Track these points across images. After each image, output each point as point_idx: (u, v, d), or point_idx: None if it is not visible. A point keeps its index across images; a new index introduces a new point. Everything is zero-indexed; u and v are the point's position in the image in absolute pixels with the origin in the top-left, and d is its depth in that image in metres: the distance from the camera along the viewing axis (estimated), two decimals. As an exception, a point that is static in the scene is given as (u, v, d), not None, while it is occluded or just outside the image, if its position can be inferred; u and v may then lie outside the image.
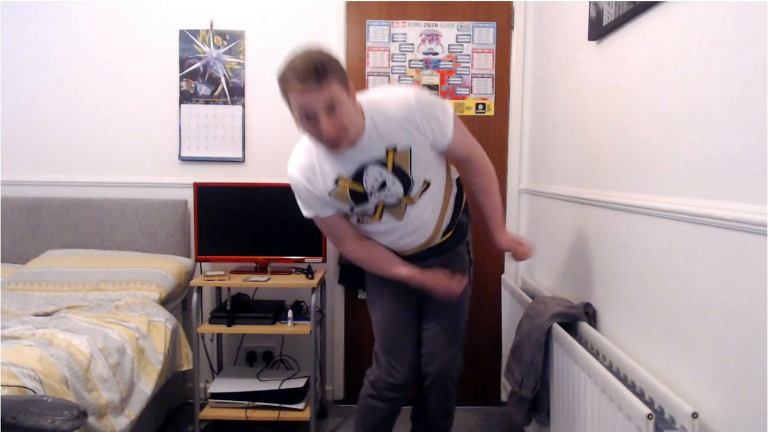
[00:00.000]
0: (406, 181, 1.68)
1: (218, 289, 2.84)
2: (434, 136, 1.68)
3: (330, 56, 1.50)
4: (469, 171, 1.86)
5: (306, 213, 1.78)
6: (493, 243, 1.89)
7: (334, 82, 1.47)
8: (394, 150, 1.64)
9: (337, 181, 1.67)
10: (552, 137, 2.43)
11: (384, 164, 1.65)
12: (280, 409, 2.49)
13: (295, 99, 1.49)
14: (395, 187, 1.69)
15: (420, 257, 1.88)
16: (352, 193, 1.69)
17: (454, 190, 1.89)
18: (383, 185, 1.68)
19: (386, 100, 1.64)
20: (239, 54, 2.87)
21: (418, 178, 1.70)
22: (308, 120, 1.50)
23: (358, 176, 1.66)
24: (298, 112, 1.51)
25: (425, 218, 1.79)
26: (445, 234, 1.88)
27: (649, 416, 1.18)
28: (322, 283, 2.77)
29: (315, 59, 1.46)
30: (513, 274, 2.91)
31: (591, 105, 1.93)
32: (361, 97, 1.64)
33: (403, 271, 1.82)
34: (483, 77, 2.88)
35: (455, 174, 1.92)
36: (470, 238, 2.04)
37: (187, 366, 2.49)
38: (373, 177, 1.67)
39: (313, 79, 1.44)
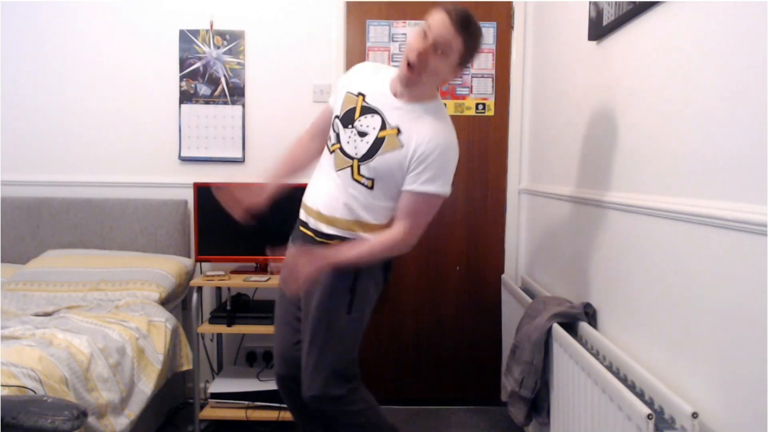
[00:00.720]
0: (371, 154, 1.71)
1: (218, 289, 2.84)
2: (411, 170, 1.67)
3: (480, 35, 1.68)
4: (383, 232, 1.74)
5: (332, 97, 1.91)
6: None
7: (462, 45, 1.61)
8: (398, 132, 1.70)
9: (359, 94, 1.77)
10: (552, 137, 2.43)
11: (383, 127, 1.71)
12: (280, 409, 2.49)
13: (437, 17, 1.60)
14: (362, 145, 1.73)
15: (308, 243, 1.79)
16: (351, 111, 1.77)
17: (378, 242, 1.74)
18: (363, 135, 1.73)
19: (445, 124, 1.72)
20: (239, 54, 2.87)
21: (375, 166, 1.70)
22: (420, 38, 1.61)
23: (366, 111, 1.74)
24: (425, 24, 1.61)
25: (348, 192, 1.73)
26: (341, 239, 1.76)
27: (649, 416, 1.18)
28: (322, 283, 2.77)
29: (473, 20, 1.64)
30: (513, 274, 2.91)
31: (591, 105, 1.93)
32: (443, 105, 1.79)
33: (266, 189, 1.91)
34: (483, 77, 2.88)
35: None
36: (363, 280, 1.80)
37: (187, 366, 2.49)
38: (368, 122, 1.73)
39: (458, 24, 1.59)
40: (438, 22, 1.59)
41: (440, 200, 1.70)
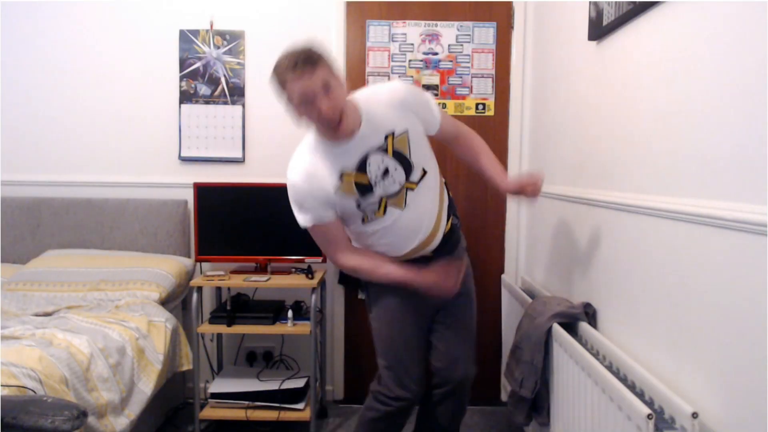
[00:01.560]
0: (407, 165, 1.75)
1: (218, 289, 2.84)
2: (426, 119, 1.80)
3: (317, 46, 1.61)
4: (461, 144, 1.96)
5: (303, 221, 1.76)
6: (501, 191, 1.92)
7: (326, 67, 1.58)
8: (393, 135, 1.72)
9: (341, 177, 1.70)
10: (552, 137, 2.43)
11: (385, 150, 1.72)
12: (280, 409, 2.49)
13: (293, 86, 1.57)
14: (397, 173, 1.74)
15: (422, 261, 1.85)
16: (358, 185, 1.72)
17: (445, 190, 1.94)
18: (386, 172, 1.73)
19: (378, 90, 1.77)
20: (239, 54, 2.87)
21: (418, 162, 1.77)
22: (307, 105, 1.58)
23: (362, 167, 1.71)
24: (297, 99, 1.58)
25: (425, 208, 1.81)
26: (444, 235, 1.88)
27: (649, 416, 1.18)
28: (322, 283, 2.77)
29: (303, 49, 1.58)
30: (513, 274, 2.91)
31: (591, 105, 1.93)
32: (354, 95, 1.74)
33: (399, 271, 1.78)
34: (483, 77, 2.88)
35: (443, 180, 1.96)
36: (465, 245, 2.03)
37: (187, 366, 2.49)
38: (375, 165, 1.72)
39: (307, 64, 1.55)
40: (301, 86, 1.55)
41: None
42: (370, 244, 1.84)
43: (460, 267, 1.84)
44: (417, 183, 1.78)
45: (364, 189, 1.72)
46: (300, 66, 1.55)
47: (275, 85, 1.63)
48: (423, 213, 1.81)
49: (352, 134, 1.67)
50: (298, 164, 1.73)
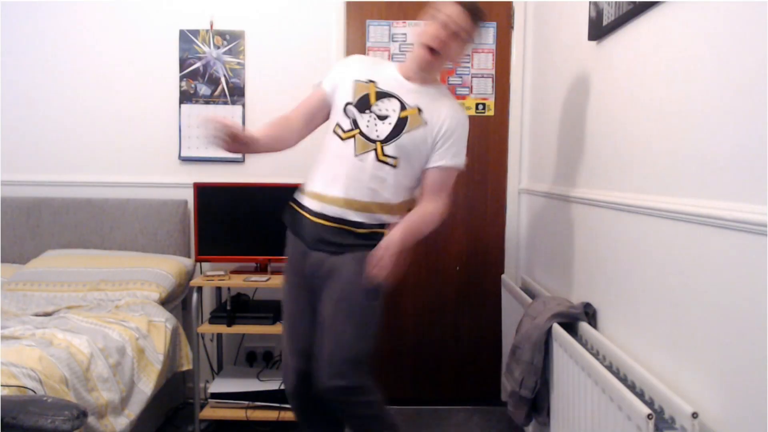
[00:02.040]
0: (395, 133, 1.81)
1: (218, 289, 2.84)
2: (437, 145, 1.84)
3: (484, 14, 1.86)
4: (422, 206, 1.85)
5: (321, 81, 1.96)
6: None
7: (473, 34, 1.83)
8: (420, 111, 1.83)
9: (369, 81, 1.86)
10: (552, 137, 2.43)
11: (403, 108, 1.83)
12: (280, 409, 2.49)
13: (452, 9, 1.78)
14: (384, 127, 1.82)
15: (327, 233, 1.80)
16: (365, 97, 1.85)
17: (399, 215, 1.85)
18: (383, 118, 1.83)
19: (456, 102, 1.94)
20: (239, 54, 2.87)
21: (401, 145, 1.81)
22: (438, 26, 1.78)
23: (381, 95, 1.85)
24: (442, 17, 1.78)
25: (370, 181, 1.79)
26: (366, 226, 1.80)
27: (649, 416, 1.18)
28: (322, 283, 2.76)
29: (482, 14, 1.83)
30: (513, 274, 2.91)
31: (591, 105, 1.93)
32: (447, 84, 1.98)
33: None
34: (483, 77, 2.88)
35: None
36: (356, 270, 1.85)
37: (187, 366, 2.49)
38: (386, 106, 1.84)
39: (473, 16, 1.79)
40: (458, 14, 1.77)
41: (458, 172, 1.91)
42: (322, 160, 1.88)
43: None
44: (385, 158, 1.80)
45: (365, 102, 1.85)
46: (472, 10, 1.78)
47: (431, 4, 1.82)
48: (362, 181, 1.78)
49: (415, 80, 1.86)
50: (373, 56, 2.07)
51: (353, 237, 1.80)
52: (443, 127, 1.83)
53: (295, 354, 1.89)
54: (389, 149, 1.80)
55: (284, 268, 1.95)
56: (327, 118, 1.93)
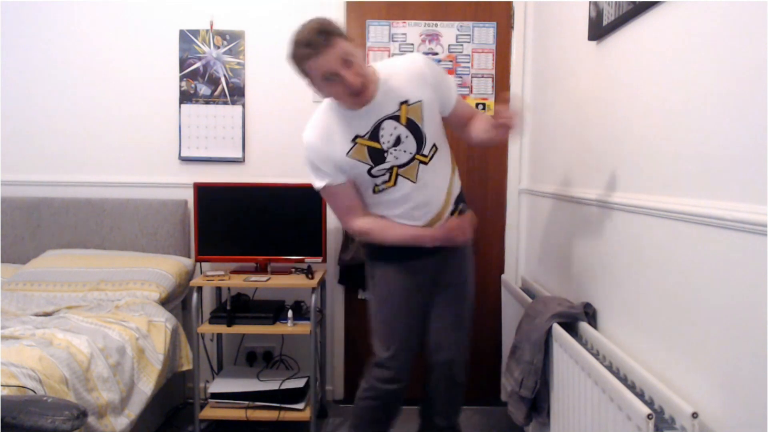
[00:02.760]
0: (419, 135, 1.78)
1: (218, 289, 2.84)
2: (442, 95, 1.82)
3: (328, 19, 1.63)
4: (475, 126, 1.91)
5: (318, 183, 1.81)
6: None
7: (342, 42, 1.60)
8: (406, 103, 1.76)
9: (354, 140, 1.76)
10: (552, 137, 2.43)
11: (398, 118, 1.76)
12: (280, 409, 2.49)
13: (313, 65, 1.60)
14: (409, 141, 1.78)
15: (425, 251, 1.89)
16: (370, 150, 1.77)
17: (457, 177, 1.97)
18: (398, 140, 1.77)
19: (396, 60, 1.84)
20: (239, 54, 2.87)
21: (430, 134, 1.80)
22: (330, 81, 1.62)
23: (375, 133, 1.76)
24: (320, 77, 1.62)
25: (437, 185, 1.85)
26: (452, 213, 1.92)
27: (649, 416, 1.18)
28: (322, 283, 2.77)
29: (315, 25, 1.60)
30: (513, 274, 2.91)
31: (591, 105, 1.93)
32: (372, 64, 1.80)
33: (410, 230, 1.83)
34: (483, 77, 2.88)
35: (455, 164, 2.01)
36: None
37: (187, 366, 2.49)
38: (388, 132, 1.76)
39: (322, 40, 1.57)
40: (320, 65, 1.59)
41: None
42: (383, 213, 1.88)
43: (470, 220, 1.84)
44: (428, 157, 1.81)
45: (377, 154, 1.77)
46: (315, 43, 1.56)
47: (293, 65, 1.65)
48: (433, 190, 1.85)
49: (368, 100, 1.72)
50: (315, 125, 1.79)
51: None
52: (427, 85, 1.78)
53: (404, 350, 1.95)
54: (426, 149, 1.81)
55: (388, 274, 1.93)
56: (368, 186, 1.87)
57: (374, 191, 1.83)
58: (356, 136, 1.76)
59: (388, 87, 1.75)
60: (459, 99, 1.91)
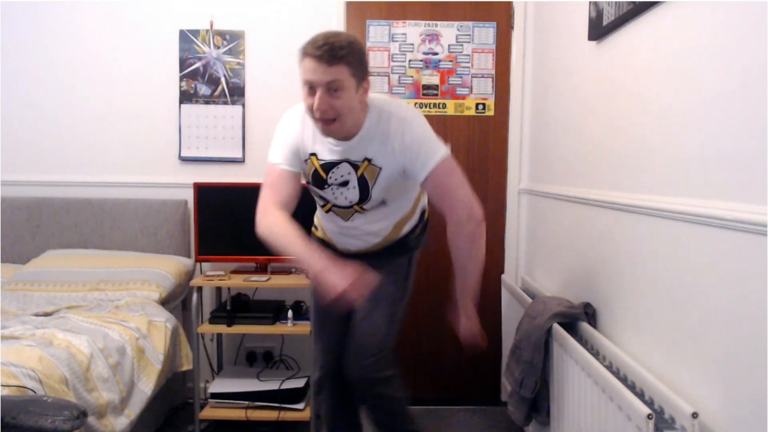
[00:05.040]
0: (365, 194, 1.72)
1: (218, 289, 2.84)
2: (409, 169, 1.65)
3: (355, 46, 1.55)
4: (450, 231, 1.68)
5: (273, 157, 1.74)
6: (452, 311, 1.82)
7: (346, 70, 1.52)
8: (369, 161, 1.68)
9: (310, 155, 1.72)
10: (552, 137, 2.43)
11: (356, 168, 1.70)
12: (280, 409, 2.49)
13: (305, 65, 1.55)
14: (353, 192, 1.73)
15: (358, 257, 1.81)
16: (315, 173, 1.73)
17: (414, 220, 1.90)
18: (344, 184, 1.72)
19: (398, 113, 1.66)
20: (239, 54, 2.87)
21: (377, 197, 1.74)
22: (308, 90, 1.56)
23: (328, 166, 1.71)
24: (304, 79, 1.56)
25: (371, 230, 1.83)
26: (384, 245, 1.89)
27: (649, 416, 1.18)
28: (322, 283, 2.76)
29: (337, 42, 1.51)
30: (513, 274, 2.91)
31: (591, 105, 1.93)
32: (377, 101, 1.68)
33: (308, 256, 1.58)
34: (483, 77, 2.88)
35: (423, 205, 1.95)
36: (415, 255, 2.00)
37: (187, 366, 2.49)
38: (340, 173, 1.71)
39: (326, 58, 1.50)
40: (310, 71, 1.52)
41: (450, 158, 1.65)
42: (320, 218, 1.90)
43: (370, 282, 1.57)
44: (368, 209, 1.77)
45: (318, 181, 1.74)
46: (320, 55, 1.49)
47: (299, 54, 1.58)
48: (364, 234, 1.84)
49: (345, 139, 1.65)
50: (300, 109, 1.71)
51: (384, 252, 1.88)
52: (403, 154, 1.63)
53: (329, 354, 1.99)
54: (369, 205, 1.75)
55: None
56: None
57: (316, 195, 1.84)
58: (313, 155, 1.71)
59: (366, 136, 1.65)
60: (434, 177, 1.63)
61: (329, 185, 1.73)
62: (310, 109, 1.57)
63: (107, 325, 2.11)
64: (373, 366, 1.86)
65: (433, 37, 2.86)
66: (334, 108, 1.54)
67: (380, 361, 1.87)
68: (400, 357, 2.92)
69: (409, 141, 1.62)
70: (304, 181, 1.80)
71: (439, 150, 1.63)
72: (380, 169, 1.68)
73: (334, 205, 1.78)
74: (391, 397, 1.92)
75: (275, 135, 1.77)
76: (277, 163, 1.73)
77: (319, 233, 2.00)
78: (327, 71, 1.50)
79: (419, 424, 2.04)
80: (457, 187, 1.65)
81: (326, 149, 1.70)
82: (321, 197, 1.80)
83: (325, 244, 1.94)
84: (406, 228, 1.89)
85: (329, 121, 1.57)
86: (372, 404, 1.95)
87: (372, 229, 1.82)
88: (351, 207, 1.76)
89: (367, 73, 1.61)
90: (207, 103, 2.89)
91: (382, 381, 1.89)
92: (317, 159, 1.72)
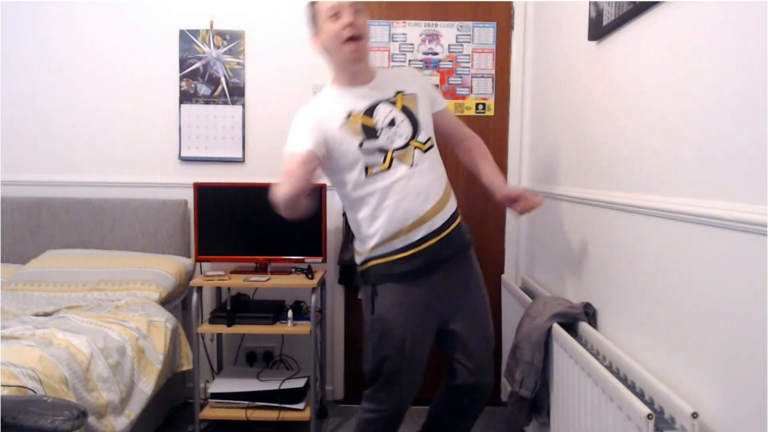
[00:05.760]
0: (414, 122, 1.81)
1: (218, 289, 2.84)
2: (433, 95, 1.92)
3: None
4: (462, 146, 2.02)
5: (293, 147, 1.71)
6: (497, 197, 1.96)
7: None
8: (402, 93, 1.83)
9: (348, 116, 1.78)
10: (552, 137, 2.43)
11: (393, 103, 1.81)
12: (280, 409, 2.49)
13: (327, 1, 1.72)
14: (404, 126, 1.80)
15: (430, 251, 1.77)
16: (364, 127, 1.77)
17: (454, 202, 1.94)
18: (392, 122, 1.79)
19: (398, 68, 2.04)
20: (239, 54, 2.87)
21: (425, 123, 1.83)
22: (334, 19, 1.72)
23: (369, 111, 1.79)
24: (326, 12, 1.72)
25: (432, 177, 1.81)
26: (451, 219, 1.84)
27: (649, 416, 1.18)
28: (322, 283, 2.77)
29: None
30: (513, 274, 2.91)
31: (591, 105, 1.93)
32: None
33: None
34: (483, 77, 2.88)
35: (454, 198, 1.96)
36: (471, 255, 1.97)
37: (187, 366, 2.49)
38: (383, 113, 1.79)
39: None
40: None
41: None
42: (375, 206, 1.75)
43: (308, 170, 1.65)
44: (425, 145, 1.82)
45: (369, 131, 1.77)
46: None
47: (307, 11, 1.79)
48: (430, 180, 1.80)
49: (366, 81, 1.81)
50: (310, 103, 1.86)
51: (458, 236, 1.87)
52: (423, 84, 1.92)
53: (406, 398, 1.86)
54: (422, 136, 1.82)
55: (402, 319, 1.78)
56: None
57: (367, 173, 1.75)
58: (350, 113, 1.78)
59: (386, 76, 1.86)
60: (448, 109, 2.00)
61: (381, 129, 1.78)
62: (342, 39, 1.71)
63: (107, 325, 2.11)
64: (491, 370, 1.97)
65: (433, 37, 2.86)
66: (360, 26, 1.72)
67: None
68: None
69: (423, 78, 1.91)
70: (351, 157, 1.74)
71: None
72: (415, 95, 1.84)
73: (394, 151, 1.76)
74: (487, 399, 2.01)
75: (292, 132, 1.78)
76: (298, 150, 1.69)
77: (374, 241, 1.78)
78: None
79: None
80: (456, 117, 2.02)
81: (357, 101, 1.79)
82: (380, 150, 1.74)
83: (390, 260, 1.78)
84: (453, 203, 1.90)
85: (358, 38, 1.72)
86: (477, 407, 1.98)
87: (434, 174, 1.82)
88: (409, 144, 1.79)
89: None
90: (207, 103, 2.89)
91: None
92: (357, 114, 1.78)
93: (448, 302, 1.84)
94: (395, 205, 1.75)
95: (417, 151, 1.79)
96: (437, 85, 2.88)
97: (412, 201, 1.75)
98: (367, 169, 1.76)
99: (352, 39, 1.72)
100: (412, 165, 1.77)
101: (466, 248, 1.91)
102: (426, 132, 1.83)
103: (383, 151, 1.76)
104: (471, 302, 1.90)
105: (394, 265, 1.77)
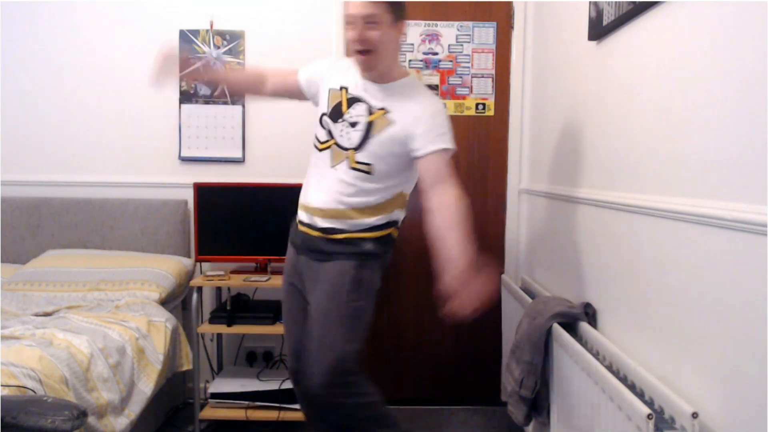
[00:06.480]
0: (364, 140, 1.81)
1: (218, 289, 2.84)
2: (412, 136, 1.76)
3: None
4: (432, 205, 1.71)
5: (302, 68, 1.96)
6: (443, 278, 1.65)
7: (384, 8, 1.72)
8: (385, 112, 1.80)
9: (341, 88, 1.86)
10: (552, 137, 2.43)
11: (370, 112, 1.82)
12: (280, 409, 2.49)
13: (347, 3, 1.75)
14: (355, 135, 1.81)
15: (303, 236, 1.91)
16: (337, 105, 1.85)
17: (378, 221, 1.85)
18: (354, 124, 1.82)
19: (431, 91, 1.94)
20: (239, 54, 2.87)
21: (373, 151, 1.80)
22: (347, 25, 1.76)
23: (352, 101, 1.84)
24: (344, 19, 1.79)
25: (343, 191, 1.82)
26: (339, 231, 1.83)
27: (649, 416, 1.18)
28: (322, 283, 2.76)
29: None
30: (513, 274, 2.91)
31: (591, 105, 1.93)
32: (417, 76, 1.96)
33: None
34: (483, 77, 2.88)
35: (394, 217, 1.89)
36: (375, 280, 1.88)
37: (187, 366, 2.49)
38: (356, 112, 1.83)
39: None
40: (351, 6, 1.73)
41: (451, 154, 1.80)
42: (308, 173, 1.96)
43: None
44: (359, 166, 1.80)
45: (335, 114, 1.85)
46: None
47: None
48: (341, 191, 1.82)
49: (381, 80, 1.82)
50: (340, 58, 2.04)
51: (336, 244, 1.85)
52: (418, 121, 1.75)
53: (290, 354, 2.00)
54: (361, 156, 1.81)
55: (284, 271, 2.04)
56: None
57: (317, 139, 1.90)
58: (343, 88, 1.85)
59: (399, 87, 1.83)
60: (434, 157, 1.72)
61: (344, 120, 1.83)
62: (350, 41, 1.76)
63: (107, 325, 2.11)
64: (327, 377, 1.76)
65: (433, 37, 2.86)
66: (369, 40, 1.72)
67: (336, 371, 1.76)
68: (402, 358, 2.94)
69: (430, 115, 1.78)
70: (317, 116, 1.90)
71: (450, 142, 1.78)
72: (392, 123, 1.79)
73: (336, 144, 1.84)
74: (355, 404, 1.84)
75: (312, 62, 1.98)
76: (296, 71, 1.95)
77: (300, 200, 1.98)
78: (363, 5, 1.70)
79: (398, 419, 1.91)
80: (448, 174, 1.75)
81: (358, 87, 1.84)
82: (329, 132, 1.86)
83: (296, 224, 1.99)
84: (368, 221, 1.83)
85: (365, 52, 1.75)
86: (338, 414, 1.86)
87: (352, 182, 1.81)
88: (347, 151, 1.82)
89: (404, 14, 1.80)
90: (207, 103, 2.89)
91: (340, 391, 1.79)
92: (347, 92, 1.84)
93: (305, 285, 1.93)
94: (309, 182, 1.93)
95: (346, 162, 1.82)
96: (432, 90, 2.88)
97: (316, 189, 1.89)
98: (317, 136, 1.91)
99: (359, 52, 1.76)
100: (332, 167, 1.84)
101: (326, 260, 1.85)
102: (370, 158, 1.79)
103: (330, 136, 1.86)
104: (315, 303, 1.85)
105: (293, 224, 2.00)
